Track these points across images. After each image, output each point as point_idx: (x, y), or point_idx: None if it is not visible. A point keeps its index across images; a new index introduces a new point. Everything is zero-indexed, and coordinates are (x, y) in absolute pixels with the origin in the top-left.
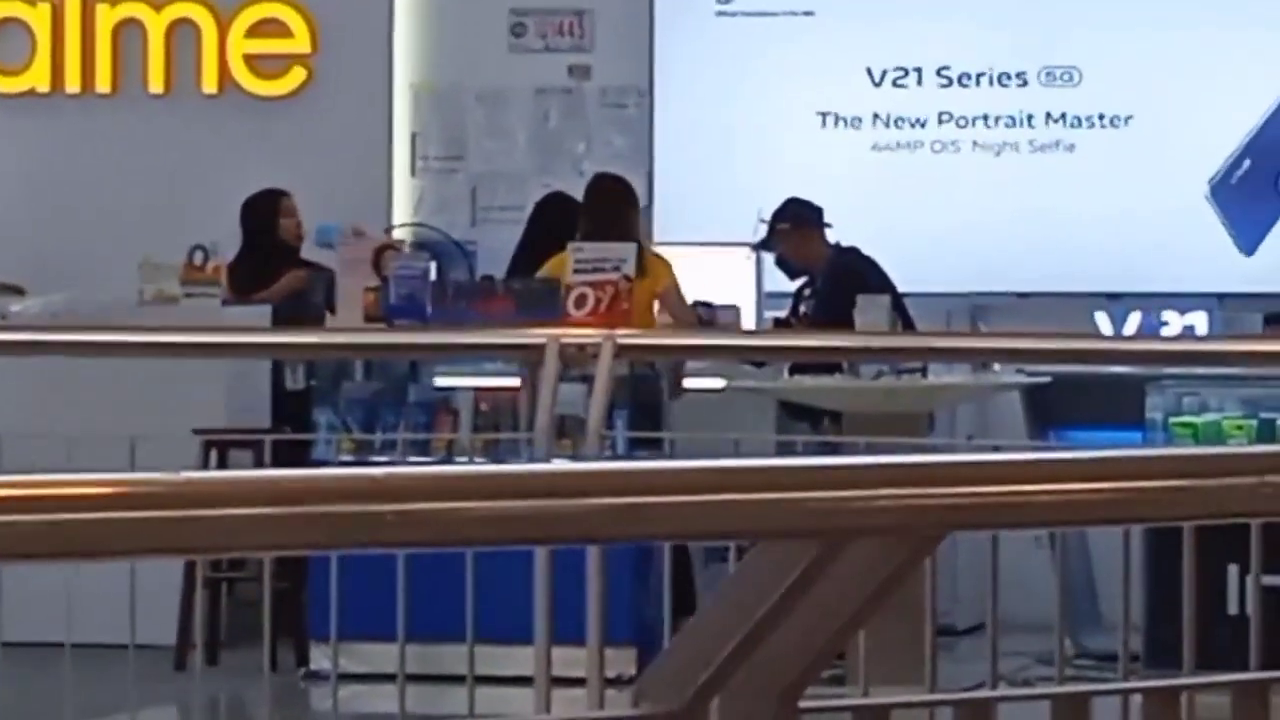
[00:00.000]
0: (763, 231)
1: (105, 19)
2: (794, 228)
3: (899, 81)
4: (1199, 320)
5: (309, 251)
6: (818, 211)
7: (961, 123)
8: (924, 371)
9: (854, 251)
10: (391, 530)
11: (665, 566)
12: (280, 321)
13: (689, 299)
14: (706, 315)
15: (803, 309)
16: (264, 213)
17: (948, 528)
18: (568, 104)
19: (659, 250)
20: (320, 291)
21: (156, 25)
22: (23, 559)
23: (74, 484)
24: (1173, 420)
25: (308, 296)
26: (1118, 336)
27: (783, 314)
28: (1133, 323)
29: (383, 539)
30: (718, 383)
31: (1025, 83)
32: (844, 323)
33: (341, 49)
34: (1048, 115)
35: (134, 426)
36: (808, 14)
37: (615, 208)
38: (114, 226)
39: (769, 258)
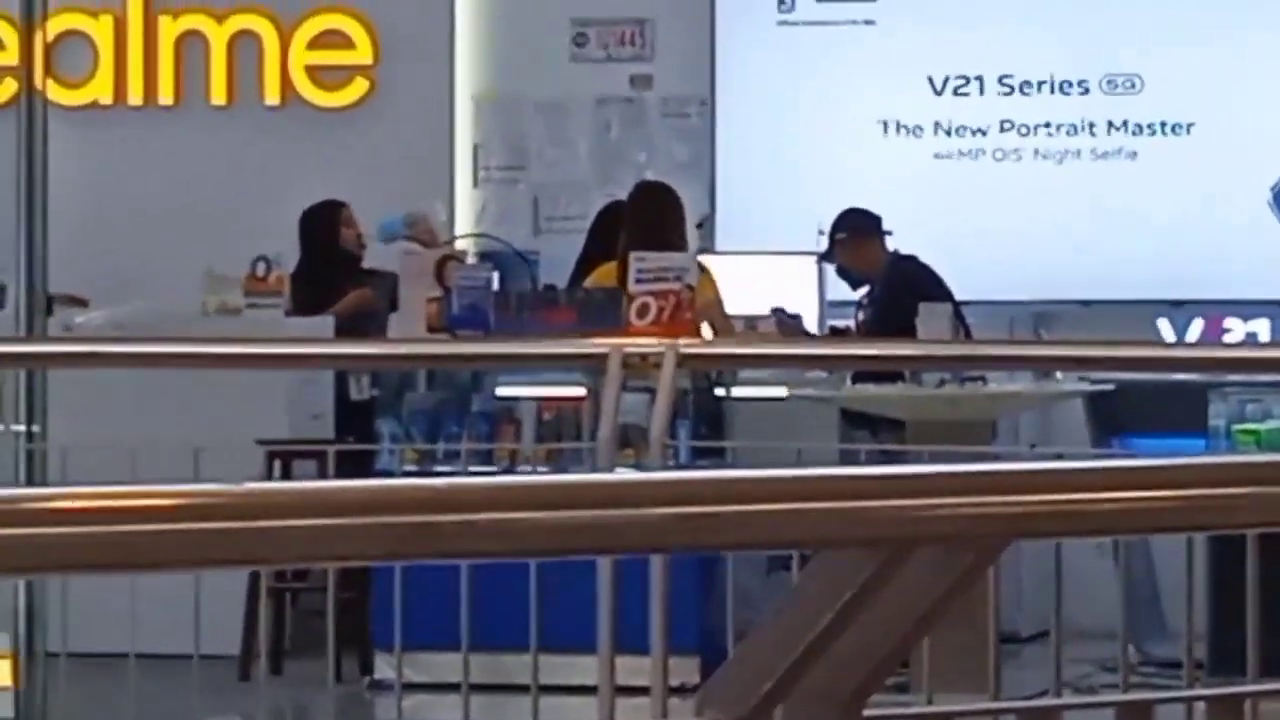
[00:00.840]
0: (823, 243)
1: (167, 31)
2: (851, 237)
3: (960, 90)
4: (1261, 327)
5: (371, 251)
6: (875, 220)
7: (1023, 131)
8: (986, 380)
9: (912, 260)
10: (454, 541)
11: (729, 575)
12: (343, 333)
13: (762, 309)
14: (788, 323)
15: (860, 316)
16: (325, 224)
17: (1011, 536)
18: (629, 114)
19: (709, 259)
20: (384, 309)
21: (219, 37)
22: (89, 570)
23: (139, 495)
24: (1235, 427)
25: (372, 314)
26: (1180, 344)
27: (844, 323)
28: (1195, 330)
29: (445, 549)
30: (780, 391)
31: (1086, 90)
32: (901, 329)
33: (403, 60)
34: (1109, 123)
35: (198, 438)
36: (869, 23)
37: (654, 214)
38: (177, 238)
39: (830, 266)
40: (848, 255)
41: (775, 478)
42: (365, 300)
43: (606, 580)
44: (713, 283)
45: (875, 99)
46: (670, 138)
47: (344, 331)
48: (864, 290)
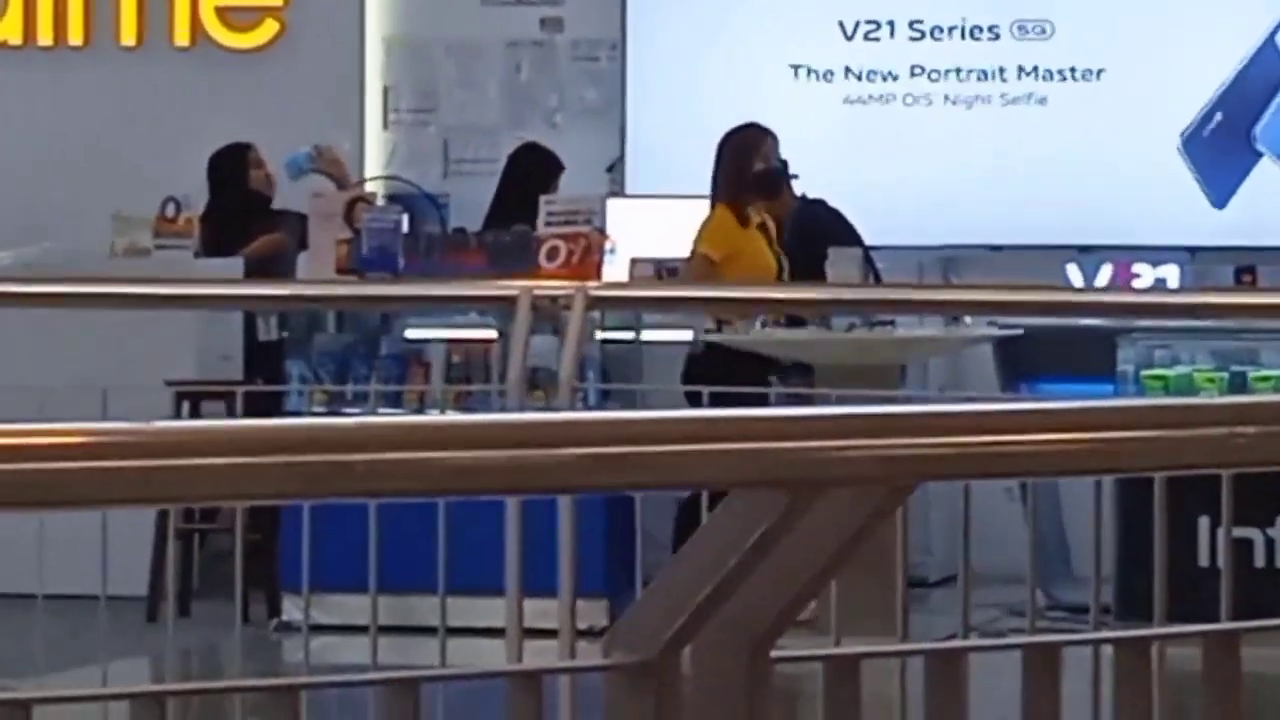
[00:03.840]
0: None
1: None
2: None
3: (871, 35)
4: (1170, 273)
5: (281, 192)
6: (783, 163)
7: (933, 76)
8: (894, 324)
9: (820, 203)
10: (362, 480)
11: (638, 516)
12: (252, 276)
13: (659, 253)
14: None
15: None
16: (233, 165)
17: (919, 478)
18: (539, 57)
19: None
20: (294, 251)
21: None
22: None
23: (45, 433)
24: (1144, 373)
25: (282, 258)
26: (1089, 289)
27: None
28: (1104, 275)
29: (353, 488)
30: (687, 335)
31: (997, 36)
32: (810, 274)
33: (313, 2)
34: (1019, 69)
35: (106, 378)
36: None
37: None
38: (86, 179)
39: None
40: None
41: (682, 418)
42: (275, 244)
43: (514, 522)
44: (715, 234)
45: (786, 44)
46: (581, 81)
47: (254, 274)
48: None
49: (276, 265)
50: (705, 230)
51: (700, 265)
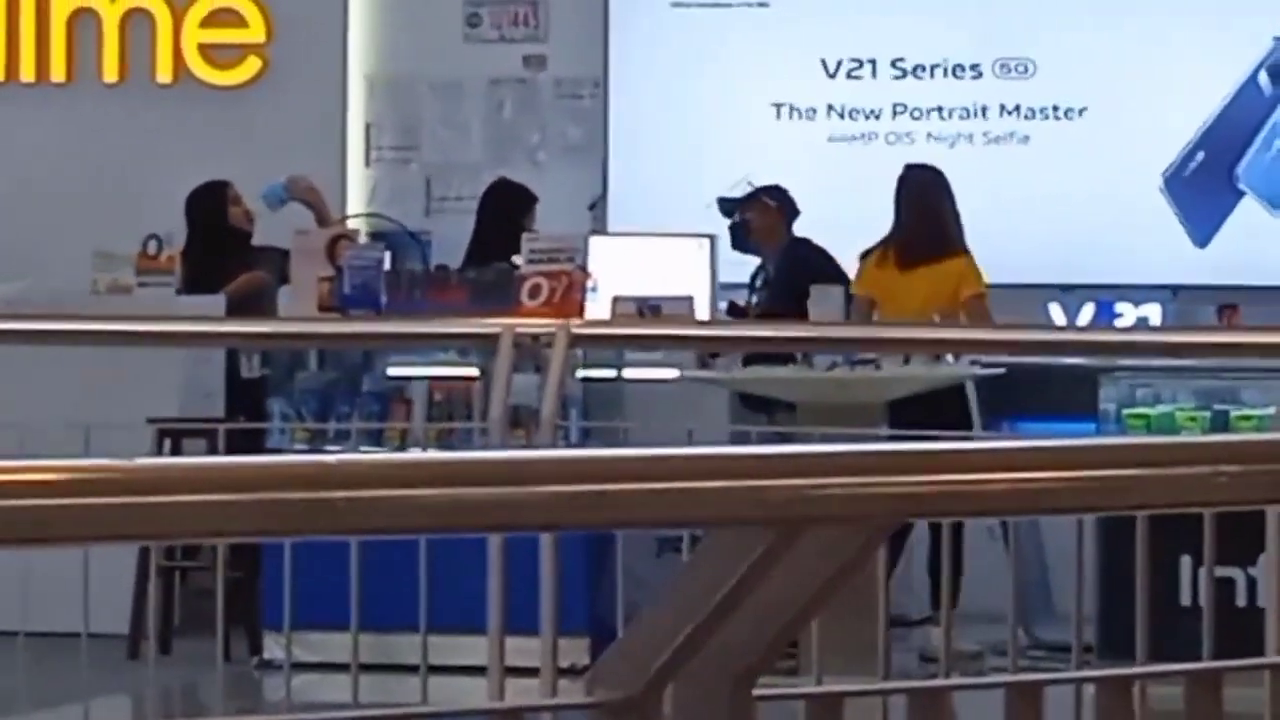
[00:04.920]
0: (743, 190)
1: (60, 8)
2: (773, 209)
3: (853, 73)
4: (1153, 312)
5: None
6: (796, 209)
7: (916, 114)
8: (878, 363)
9: (806, 243)
10: (343, 517)
11: (619, 556)
12: (234, 313)
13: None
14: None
15: (754, 299)
16: (211, 203)
17: (901, 516)
18: (522, 95)
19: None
20: (275, 287)
21: (111, 15)
22: None
23: (27, 470)
24: (1126, 412)
25: (264, 295)
26: (1071, 328)
27: (740, 300)
28: (1086, 314)
29: (335, 526)
30: (672, 373)
31: (979, 74)
32: (795, 313)
33: (296, 39)
34: (1002, 107)
35: (88, 415)
36: (762, 5)
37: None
38: (68, 216)
39: (724, 245)
40: (759, 220)
41: (664, 456)
42: (256, 281)
43: (496, 560)
44: (978, 274)
45: (768, 82)
46: (563, 119)
47: (235, 312)
48: (754, 270)
49: (257, 302)
50: (971, 274)
51: (984, 303)
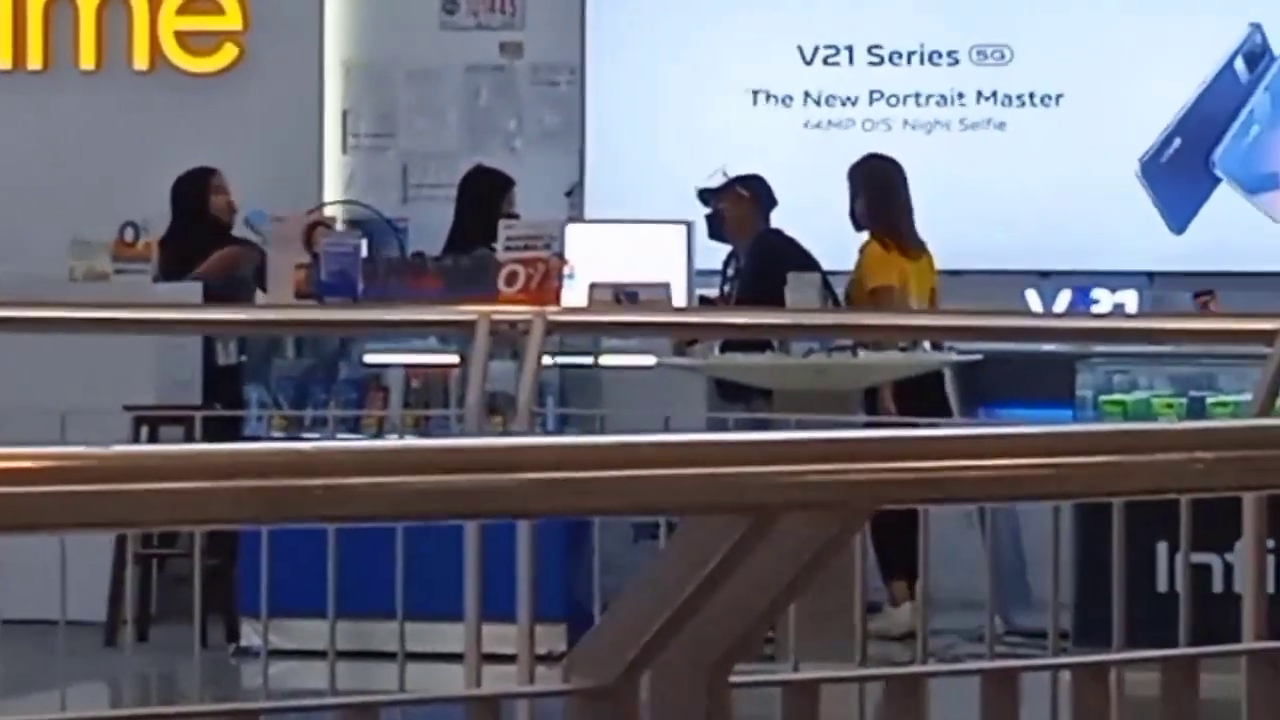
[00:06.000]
0: (718, 180)
1: None
2: (746, 199)
3: (830, 60)
4: (1129, 298)
5: (239, 232)
6: (773, 199)
7: (892, 101)
8: (854, 349)
9: (777, 233)
10: (321, 504)
11: (596, 542)
12: (212, 298)
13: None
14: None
15: (726, 288)
16: (195, 191)
17: (877, 502)
18: (499, 81)
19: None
20: (252, 268)
21: (88, 2)
22: None
23: (3, 457)
24: (1103, 398)
25: (240, 273)
26: (1048, 314)
27: (713, 292)
28: (1063, 301)
29: (312, 513)
30: (648, 360)
31: (956, 61)
32: (768, 303)
33: (273, 26)
34: (979, 94)
35: (65, 403)
36: None
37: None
38: (45, 203)
39: (701, 234)
40: (734, 210)
41: (641, 443)
42: (231, 257)
43: (473, 547)
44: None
45: (745, 68)
46: (540, 106)
47: (211, 290)
48: (725, 260)
49: (232, 281)
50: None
51: (887, 296)
